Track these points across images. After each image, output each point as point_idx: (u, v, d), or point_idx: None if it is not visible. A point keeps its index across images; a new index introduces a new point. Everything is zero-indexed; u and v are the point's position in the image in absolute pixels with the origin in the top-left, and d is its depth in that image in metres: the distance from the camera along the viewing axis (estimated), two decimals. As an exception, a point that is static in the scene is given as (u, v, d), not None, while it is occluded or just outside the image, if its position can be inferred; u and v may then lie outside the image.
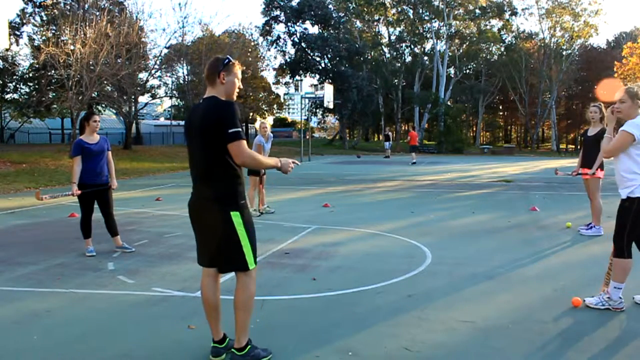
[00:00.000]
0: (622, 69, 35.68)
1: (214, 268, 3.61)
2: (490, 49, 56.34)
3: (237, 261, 3.47)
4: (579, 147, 67.32)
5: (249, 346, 3.58)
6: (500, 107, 71.17)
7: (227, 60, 3.52)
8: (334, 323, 4.34)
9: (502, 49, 55.43)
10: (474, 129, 68.51)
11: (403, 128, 63.37)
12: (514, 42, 54.61)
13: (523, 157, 37.71)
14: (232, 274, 3.82)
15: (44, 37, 28.83)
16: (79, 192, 6.62)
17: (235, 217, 3.42)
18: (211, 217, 3.44)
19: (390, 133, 41.82)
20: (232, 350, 3.59)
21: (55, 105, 29.68)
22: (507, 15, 53.14)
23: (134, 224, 9.16)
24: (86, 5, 28.49)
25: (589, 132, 7.91)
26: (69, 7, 28.26)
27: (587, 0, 47.62)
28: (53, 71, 26.16)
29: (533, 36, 54.49)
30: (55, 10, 27.48)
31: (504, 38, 55.25)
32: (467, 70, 58.79)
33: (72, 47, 23.41)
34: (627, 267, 4.49)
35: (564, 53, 51.67)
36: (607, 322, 4.33)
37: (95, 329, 4.25)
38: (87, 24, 23.94)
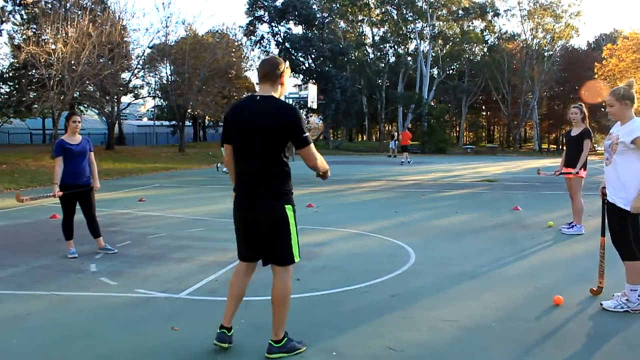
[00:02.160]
0: (602, 70, 36.11)
1: (254, 262, 3.79)
2: (473, 49, 56.70)
3: (286, 253, 3.62)
4: (561, 147, 68.07)
5: (286, 339, 3.73)
6: (483, 107, 71.64)
7: (287, 63, 3.66)
8: (319, 323, 4.34)
9: (485, 49, 55.83)
10: (457, 129, 68.89)
11: (387, 128, 63.50)
12: (496, 42, 55.06)
13: (506, 157, 38.02)
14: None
15: (24, 36, 28.47)
16: (61, 193, 6.55)
17: (289, 210, 3.63)
18: (269, 212, 3.55)
19: (395, 133, 42.08)
20: (270, 342, 3.70)
21: (36, 105, 29.32)
22: (489, 16, 53.63)
23: (117, 225, 9.08)
24: (68, 4, 28.18)
25: (572, 132, 7.98)
26: (50, 6, 27.90)
27: (568, 1, 48.18)
28: (34, 70, 25.84)
29: (515, 37, 55.00)
30: (35, 9, 27.12)
31: (486, 39, 55.69)
32: (451, 71, 59.16)
33: (53, 47, 23.18)
34: None
35: (546, 54, 52.20)
36: (588, 320, 4.38)
37: (77, 331, 4.20)
38: (69, 23, 23.70)
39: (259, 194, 3.56)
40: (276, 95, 3.59)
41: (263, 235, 3.61)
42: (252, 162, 3.55)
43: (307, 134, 3.53)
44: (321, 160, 3.64)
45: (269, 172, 3.54)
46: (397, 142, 37.07)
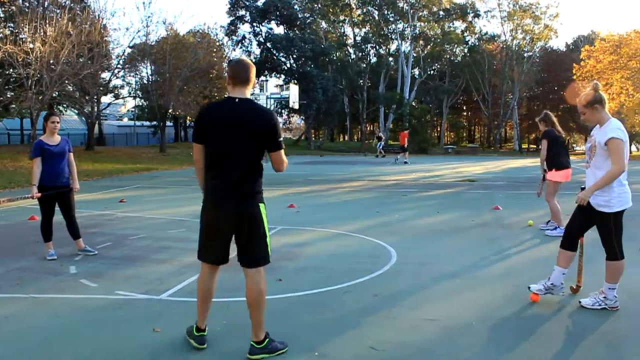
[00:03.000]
0: (580, 71, 36.52)
1: (217, 264, 3.80)
2: (454, 50, 57.17)
3: (262, 255, 3.69)
4: (539, 146, 68.82)
5: (267, 339, 3.75)
6: (464, 108, 72.15)
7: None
8: (300, 323, 4.34)
9: (466, 50, 56.23)
10: (438, 129, 69.24)
11: (368, 128, 63.69)
12: (477, 43, 55.51)
13: (486, 157, 38.34)
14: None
15: (1, 35, 28.05)
16: (39, 194, 6.47)
17: (263, 209, 3.70)
18: (248, 211, 3.60)
19: (382, 134, 42.21)
20: (252, 343, 3.72)
21: (14, 105, 28.91)
22: (470, 17, 54.06)
23: (97, 226, 9.00)
24: (46, 3, 27.84)
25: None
26: (27, 4, 27.56)
27: (546, 3, 48.80)
28: (11, 70, 25.48)
29: (495, 38, 55.46)
30: (13, 7, 26.76)
31: (467, 40, 56.12)
32: (432, 71, 59.52)
33: (31, 45, 22.86)
34: (621, 268, 4.57)
35: (525, 55, 52.78)
36: (567, 318, 4.44)
37: (57, 334, 4.16)
38: (47, 21, 23.39)
39: (241, 194, 3.59)
40: (249, 97, 3.65)
41: (241, 236, 3.64)
42: (235, 163, 3.56)
43: (282, 138, 3.65)
44: (286, 164, 3.77)
45: (251, 172, 3.61)
46: (382, 143, 37.31)
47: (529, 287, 4.96)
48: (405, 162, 28.05)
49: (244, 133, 3.52)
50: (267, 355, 3.70)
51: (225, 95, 3.70)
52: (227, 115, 3.57)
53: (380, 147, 36.99)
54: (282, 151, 3.66)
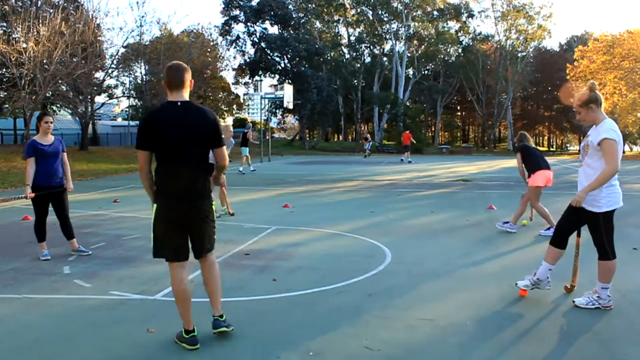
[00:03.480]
0: (574, 71, 36.70)
1: (186, 260, 3.92)
2: (448, 50, 57.25)
3: (214, 241, 4.03)
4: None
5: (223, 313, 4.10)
6: (458, 108, 72.36)
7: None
8: (295, 323, 4.34)
9: (460, 50, 56.38)
10: (433, 129, 69.41)
11: (362, 128, 63.74)
12: (471, 43, 55.63)
13: (480, 157, 38.44)
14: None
15: (-6, 34, 27.96)
16: (33, 194, 6.44)
17: (213, 204, 3.98)
18: (203, 208, 3.86)
19: (368, 135, 42.25)
20: (216, 318, 4.03)
21: (7, 105, 28.79)
22: (464, 17, 54.21)
23: (91, 226, 8.97)
24: (39, 2, 27.73)
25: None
26: (20, 4, 27.44)
27: (540, 3, 48.95)
28: (4, 70, 25.39)
29: (489, 38, 55.64)
30: (5, 6, 26.64)
31: (461, 40, 56.25)
32: (426, 71, 59.60)
33: (24, 45, 22.77)
34: (613, 267, 4.59)
35: (519, 55, 52.96)
36: (561, 317, 4.46)
37: (51, 335, 4.15)
38: (41, 21, 23.31)
39: (196, 193, 3.80)
40: (189, 99, 3.83)
41: (198, 228, 3.87)
42: (187, 163, 3.74)
43: (223, 135, 3.92)
44: (228, 161, 4.08)
45: (201, 171, 3.83)
46: (369, 144, 37.31)
47: (516, 284, 5.06)
48: (410, 162, 28.75)
49: (191, 134, 3.70)
50: (227, 328, 3.98)
51: (167, 100, 3.81)
52: (173, 119, 3.70)
53: (368, 147, 36.91)
54: (224, 147, 3.93)
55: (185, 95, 3.79)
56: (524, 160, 8.22)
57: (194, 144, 3.72)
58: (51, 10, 26.08)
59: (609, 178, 4.38)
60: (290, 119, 64.07)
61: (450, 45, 56.12)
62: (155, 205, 3.84)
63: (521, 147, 8.32)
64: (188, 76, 3.82)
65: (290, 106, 35.55)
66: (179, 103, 3.74)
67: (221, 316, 4.02)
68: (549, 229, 8.03)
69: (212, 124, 3.78)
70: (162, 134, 3.69)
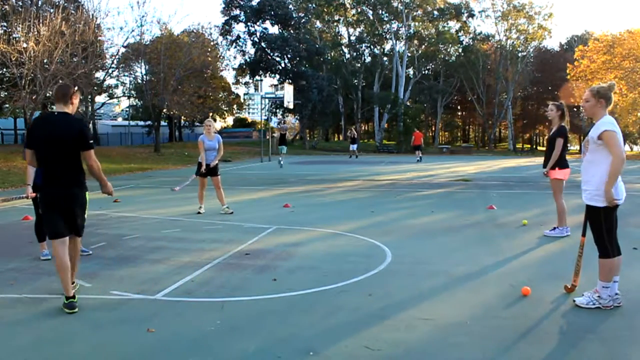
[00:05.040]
0: (574, 71, 36.65)
1: (68, 237, 4.88)
2: (449, 50, 57.22)
3: (83, 227, 5.09)
4: (535, 146, 68.99)
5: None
6: (459, 107, 72.32)
7: (76, 87, 5.02)
8: (295, 323, 4.34)
9: (460, 50, 56.35)
10: (433, 128, 69.40)
11: (362, 128, 63.77)
12: (471, 43, 55.60)
13: (481, 157, 38.43)
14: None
15: (-6, 34, 27.94)
16: (34, 194, 6.43)
17: (86, 194, 5.02)
18: (77, 197, 4.88)
19: (355, 135, 42.09)
20: (68, 300, 4.66)
21: (7, 105, 28.77)
22: (464, 17, 54.14)
23: (91, 226, 8.95)
24: (39, 2, 27.71)
25: (550, 131, 8.02)
26: (21, 3, 27.42)
27: (540, 3, 48.91)
28: (5, 69, 25.35)
29: (489, 38, 55.61)
30: (6, 6, 26.61)
31: (461, 39, 56.22)
32: (426, 71, 59.57)
33: (25, 45, 22.74)
34: (613, 266, 4.57)
35: (520, 55, 52.91)
36: (562, 317, 4.45)
37: (51, 334, 4.15)
38: (41, 21, 23.29)
39: (66, 183, 4.79)
40: (69, 111, 4.83)
41: (71, 214, 4.85)
42: (58, 160, 4.73)
43: (92, 141, 4.87)
44: (98, 164, 4.92)
45: (75, 168, 4.81)
46: (357, 144, 37.06)
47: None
48: (419, 160, 29.91)
49: (64, 138, 4.69)
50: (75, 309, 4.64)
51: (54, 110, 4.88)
52: (49, 126, 4.75)
53: (356, 148, 36.40)
54: (92, 151, 4.86)
55: (65, 108, 4.79)
56: (563, 148, 7.71)
57: (60, 146, 4.68)
58: (51, 10, 26.05)
59: (620, 167, 4.38)
60: (291, 119, 64.08)
61: (450, 45, 56.11)
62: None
63: (561, 131, 7.71)
64: (69, 94, 4.82)
65: (291, 106, 35.56)
66: (56, 113, 4.80)
67: (74, 297, 4.73)
68: (554, 229, 7.96)
69: (77, 131, 4.72)
70: (40, 137, 4.75)
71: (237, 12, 46.39)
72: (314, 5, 51.69)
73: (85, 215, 5.04)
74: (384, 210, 10.74)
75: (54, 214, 4.81)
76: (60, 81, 24.75)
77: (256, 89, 45.99)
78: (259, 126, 45.94)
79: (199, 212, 10.14)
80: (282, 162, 25.47)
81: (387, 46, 55.89)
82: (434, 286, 5.36)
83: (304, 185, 16.07)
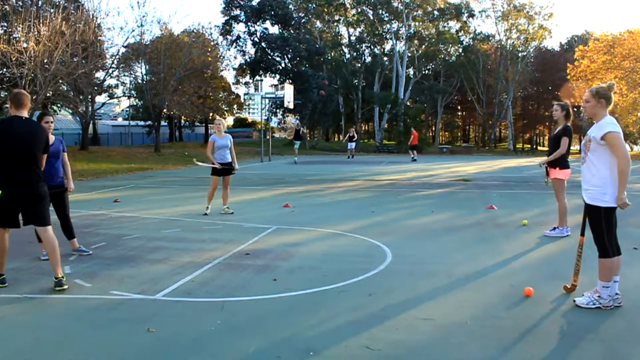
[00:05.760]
0: (574, 71, 36.65)
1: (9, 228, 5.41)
2: (449, 50, 57.22)
3: (46, 216, 5.41)
4: (535, 146, 68.98)
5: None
6: (459, 107, 72.36)
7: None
8: (295, 323, 4.34)
9: (460, 50, 56.34)
10: (433, 128, 69.43)
11: (363, 128, 63.78)
12: (471, 43, 55.57)
13: (481, 157, 38.40)
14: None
15: (-6, 34, 27.93)
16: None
17: (45, 190, 5.43)
18: (38, 192, 5.29)
19: (355, 134, 41.98)
20: (58, 278, 5.27)
21: (7, 105, 28.74)
22: (464, 17, 54.11)
23: (91, 226, 8.97)
24: (40, 2, 27.71)
25: (554, 131, 8.01)
26: (21, 3, 27.42)
27: (540, 3, 48.90)
28: (5, 69, 25.32)
29: (490, 38, 55.58)
30: (6, 6, 26.60)
31: (461, 39, 56.20)
32: (426, 71, 59.59)
33: (25, 45, 22.73)
34: (613, 266, 4.57)
35: (520, 55, 52.89)
36: (562, 317, 4.46)
37: (51, 335, 4.15)
38: (41, 21, 23.28)
39: (33, 180, 5.24)
40: (27, 116, 5.35)
41: (30, 207, 5.29)
42: (21, 161, 5.16)
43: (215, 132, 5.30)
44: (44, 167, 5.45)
45: (32, 167, 5.23)
46: (355, 143, 36.97)
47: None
48: (414, 159, 30.21)
49: (24, 141, 5.16)
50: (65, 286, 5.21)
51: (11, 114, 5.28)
52: (13, 130, 5.16)
53: (353, 147, 36.12)
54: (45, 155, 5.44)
55: (25, 112, 5.30)
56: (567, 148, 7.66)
57: (23, 148, 5.15)
58: (52, 10, 26.03)
59: (627, 168, 4.39)
60: (291, 119, 64.08)
61: (450, 45, 56.09)
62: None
63: (566, 130, 7.66)
64: (26, 101, 5.32)
65: (291, 106, 35.52)
66: (23, 118, 5.26)
67: (62, 277, 5.36)
68: (554, 229, 7.96)
69: (39, 135, 5.29)
70: (6, 139, 5.12)
71: (237, 12, 46.36)
72: (314, 5, 51.68)
73: (48, 207, 5.53)
74: (384, 210, 10.74)
75: (5, 209, 5.28)
76: (60, 81, 24.84)
77: (256, 89, 45.99)
78: (259, 126, 45.92)
79: (205, 214, 10.01)
80: (297, 160, 27.64)
81: (387, 46, 55.96)
82: (434, 286, 5.36)
83: (304, 185, 16.07)
